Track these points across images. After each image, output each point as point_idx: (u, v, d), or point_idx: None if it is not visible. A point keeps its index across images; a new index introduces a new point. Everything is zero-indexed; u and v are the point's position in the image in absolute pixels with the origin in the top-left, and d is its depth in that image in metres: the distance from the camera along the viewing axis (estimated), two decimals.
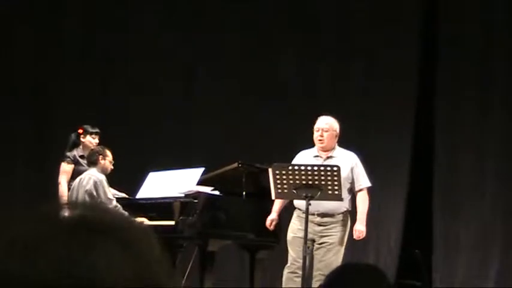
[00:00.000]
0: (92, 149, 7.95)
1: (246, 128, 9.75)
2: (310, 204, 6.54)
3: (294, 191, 6.57)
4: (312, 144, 7.20)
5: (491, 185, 9.46)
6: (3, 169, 9.89)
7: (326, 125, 7.12)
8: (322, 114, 7.22)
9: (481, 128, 9.60)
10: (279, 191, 6.63)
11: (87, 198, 7.48)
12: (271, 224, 7.15)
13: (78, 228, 0.87)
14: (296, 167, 6.61)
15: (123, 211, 7.41)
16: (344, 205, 6.95)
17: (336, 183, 6.52)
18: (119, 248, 0.87)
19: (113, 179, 7.73)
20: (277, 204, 7.17)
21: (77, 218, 0.89)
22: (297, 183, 6.54)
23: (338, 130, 7.15)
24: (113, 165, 7.77)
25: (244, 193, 7.44)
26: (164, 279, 0.88)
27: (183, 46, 10.10)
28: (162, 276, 0.88)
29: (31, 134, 10.02)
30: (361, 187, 7.06)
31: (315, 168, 6.57)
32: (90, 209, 0.92)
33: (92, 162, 7.74)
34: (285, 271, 7.00)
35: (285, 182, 6.57)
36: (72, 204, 0.92)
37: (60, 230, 0.87)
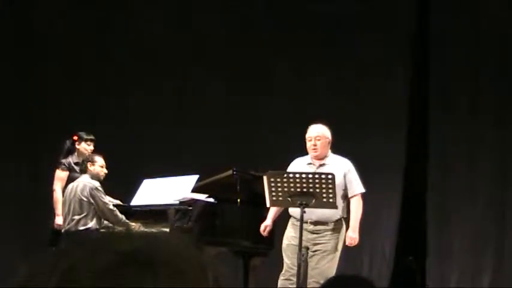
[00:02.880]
0: (82, 159, 7.98)
1: (239, 136, 9.75)
2: (305, 212, 6.56)
3: (289, 199, 6.58)
4: (306, 151, 7.21)
5: (485, 190, 9.47)
6: None
7: (318, 133, 7.11)
8: (313, 122, 7.21)
9: (474, 132, 9.61)
10: (274, 198, 6.64)
11: (84, 205, 7.50)
12: (265, 230, 7.17)
13: (130, 261, 0.88)
14: (291, 175, 6.62)
15: (120, 214, 7.48)
16: (338, 213, 6.95)
17: (330, 190, 6.54)
18: (170, 281, 0.87)
19: (107, 186, 7.73)
20: (272, 212, 7.20)
21: (130, 249, 0.90)
22: (292, 191, 6.55)
23: (330, 137, 7.15)
24: (107, 172, 7.78)
25: (238, 200, 7.46)
26: None
27: (178, 49, 10.11)
28: None
29: (23, 141, 10.00)
30: (354, 193, 7.07)
31: (310, 176, 6.58)
32: (144, 240, 0.92)
33: (82, 170, 7.79)
34: (280, 278, 7.03)
35: (279, 189, 6.59)
36: (127, 234, 0.93)
37: (112, 261, 0.88)
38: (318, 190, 6.53)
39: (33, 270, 0.90)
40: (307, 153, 7.19)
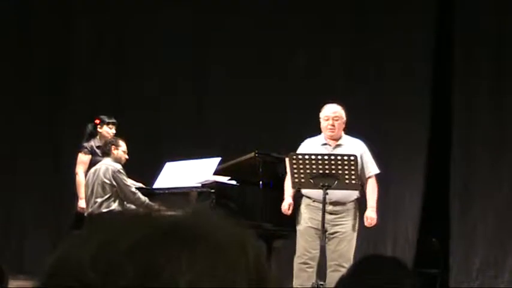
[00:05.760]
0: (105, 141, 7.99)
1: (261, 118, 9.73)
2: (327, 193, 6.51)
3: (311, 181, 6.55)
4: (319, 132, 7.09)
5: (508, 173, 9.41)
6: (18, 161, 9.92)
7: (336, 113, 6.96)
8: (329, 102, 7.05)
9: (498, 117, 9.53)
10: (296, 180, 6.62)
11: (106, 188, 7.52)
12: (289, 208, 6.90)
13: (170, 235, 0.85)
14: (313, 156, 6.57)
15: (143, 197, 7.49)
16: (355, 192, 6.85)
17: (353, 172, 6.50)
18: (208, 256, 0.84)
19: (130, 170, 7.75)
20: (289, 190, 6.92)
21: (168, 223, 0.87)
22: (314, 173, 6.52)
23: (345, 117, 7.02)
24: (129, 155, 7.79)
25: (260, 183, 7.45)
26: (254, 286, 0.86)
27: (198, 36, 10.10)
28: (252, 282, 0.86)
29: (46, 126, 10.04)
30: (370, 174, 6.94)
31: (332, 157, 6.54)
32: (183, 214, 0.89)
33: (105, 152, 7.80)
34: (296, 261, 6.86)
35: (302, 171, 6.56)
36: (163, 210, 0.90)
37: (149, 235, 0.85)
38: (340, 171, 6.49)
39: (66, 248, 0.87)
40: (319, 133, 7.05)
